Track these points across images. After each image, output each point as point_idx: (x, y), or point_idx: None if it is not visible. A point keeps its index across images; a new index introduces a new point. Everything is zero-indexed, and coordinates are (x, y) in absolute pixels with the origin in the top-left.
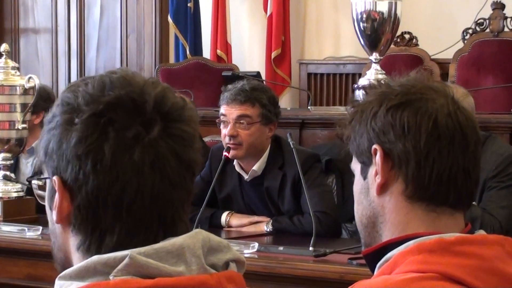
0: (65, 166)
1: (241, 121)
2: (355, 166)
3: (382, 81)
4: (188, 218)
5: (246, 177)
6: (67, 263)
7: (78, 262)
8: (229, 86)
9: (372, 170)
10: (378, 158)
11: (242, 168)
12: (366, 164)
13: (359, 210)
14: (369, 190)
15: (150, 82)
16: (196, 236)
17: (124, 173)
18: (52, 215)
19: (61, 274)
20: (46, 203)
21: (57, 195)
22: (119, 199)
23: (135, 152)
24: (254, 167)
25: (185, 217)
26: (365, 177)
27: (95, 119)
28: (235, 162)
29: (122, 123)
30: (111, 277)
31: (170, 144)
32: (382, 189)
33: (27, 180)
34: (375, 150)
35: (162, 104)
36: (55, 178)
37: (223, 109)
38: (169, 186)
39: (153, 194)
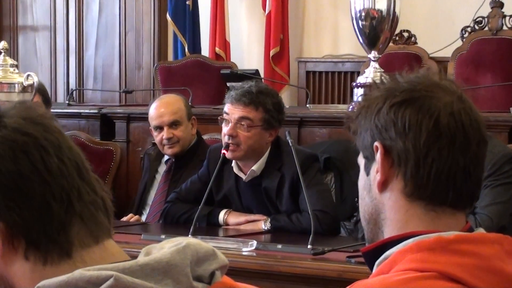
0: None
1: (242, 123)
2: (360, 161)
3: (392, 76)
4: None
5: (244, 177)
6: None
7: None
8: (238, 85)
9: (374, 167)
10: (378, 155)
11: (240, 169)
12: (369, 160)
13: (362, 206)
14: (371, 186)
15: None
16: (184, 252)
17: None
18: None
19: (39, 284)
20: None
21: None
22: None
23: None
24: (254, 168)
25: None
26: (368, 173)
27: None
28: (233, 163)
29: None
30: None
31: None
32: (383, 186)
33: None
34: (376, 147)
35: None
36: None
37: (226, 108)
38: None
39: None
